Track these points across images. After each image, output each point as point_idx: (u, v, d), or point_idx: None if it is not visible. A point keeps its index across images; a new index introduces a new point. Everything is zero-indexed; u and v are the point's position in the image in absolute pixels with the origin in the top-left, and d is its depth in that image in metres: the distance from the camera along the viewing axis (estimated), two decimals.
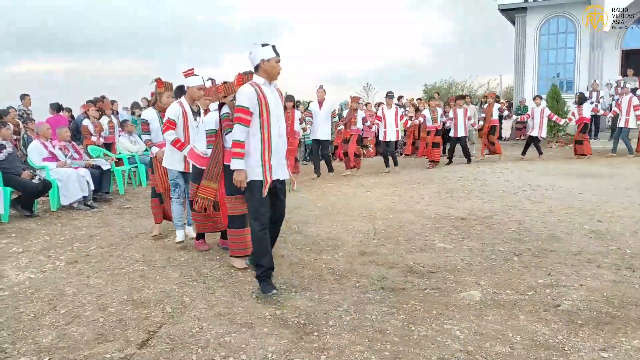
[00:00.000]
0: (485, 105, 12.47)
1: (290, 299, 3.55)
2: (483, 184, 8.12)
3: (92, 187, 7.27)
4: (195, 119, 5.08)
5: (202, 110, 5.19)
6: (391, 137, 10.49)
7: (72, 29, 61.99)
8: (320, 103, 9.75)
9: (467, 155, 11.36)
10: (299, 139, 9.93)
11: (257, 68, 3.74)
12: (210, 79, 5.37)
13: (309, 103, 14.39)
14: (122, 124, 9.87)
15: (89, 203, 7.24)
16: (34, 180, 6.64)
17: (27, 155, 7.37)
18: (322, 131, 9.71)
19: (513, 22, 18.29)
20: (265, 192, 3.65)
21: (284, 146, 3.89)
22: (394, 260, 4.37)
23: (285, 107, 7.90)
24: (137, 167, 9.38)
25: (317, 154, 10.03)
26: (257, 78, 3.74)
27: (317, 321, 3.18)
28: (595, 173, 8.92)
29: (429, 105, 11.66)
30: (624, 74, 15.75)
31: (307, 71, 59.03)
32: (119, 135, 9.70)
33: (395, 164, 10.59)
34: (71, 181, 6.96)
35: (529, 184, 7.82)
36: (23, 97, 10.72)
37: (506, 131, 17.51)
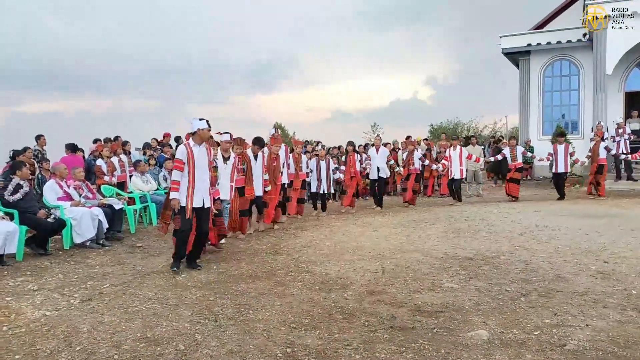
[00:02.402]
0: (592, 144, 12.11)
1: (300, 337, 3.62)
2: (490, 224, 8.19)
3: (106, 226, 7.43)
4: (225, 163, 7.23)
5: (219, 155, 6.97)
6: (456, 174, 11.44)
7: (84, 69, 63.60)
8: (377, 148, 11.21)
9: (458, 196, 11.65)
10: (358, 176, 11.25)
11: (194, 133, 5.69)
12: (227, 132, 7.46)
13: (317, 143, 14.72)
14: (135, 164, 10.10)
15: (101, 242, 7.37)
16: (49, 219, 6.81)
17: (41, 194, 7.56)
18: (374, 171, 11.13)
19: (517, 65, 18.69)
20: (188, 214, 5.55)
21: (206, 185, 5.76)
22: (403, 300, 4.43)
23: (346, 151, 11.35)
24: (148, 206, 9.54)
25: (373, 190, 11.52)
26: (191, 140, 5.73)
27: None
28: (601, 214, 8.97)
29: (508, 144, 12.44)
30: (628, 115, 15.98)
31: (313, 109, 59.92)
32: (132, 175, 9.91)
33: (460, 199, 11.57)
34: (85, 220, 7.11)
35: (536, 225, 7.89)
36: (38, 137, 11.02)
37: None
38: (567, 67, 17.60)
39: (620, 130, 13.58)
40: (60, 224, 6.91)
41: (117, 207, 7.88)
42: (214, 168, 6.20)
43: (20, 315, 4.29)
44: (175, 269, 5.65)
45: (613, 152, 12.66)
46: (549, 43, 17.29)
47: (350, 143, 11.33)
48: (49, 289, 5.09)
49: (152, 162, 10.89)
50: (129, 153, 11.50)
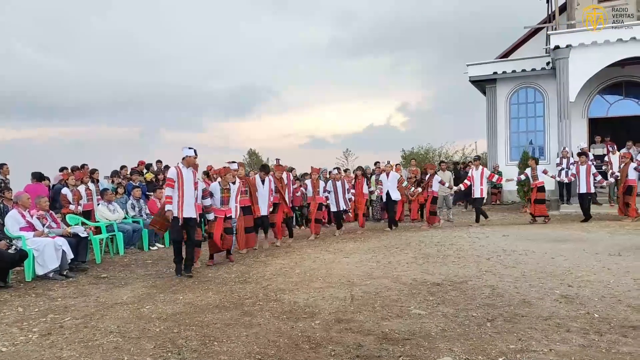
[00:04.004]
0: (622, 166, 12.05)
1: None
2: (459, 249, 8.27)
3: (71, 256, 7.24)
4: (234, 186, 8.41)
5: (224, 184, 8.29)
6: (477, 194, 12.09)
7: (55, 96, 62.87)
8: (388, 174, 12.04)
9: (483, 214, 12.11)
10: (366, 198, 12.76)
11: (183, 158, 7.16)
12: (233, 161, 8.87)
13: (292, 169, 14.82)
14: (102, 192, 9.93)
15: (65, 273, 7.17)
16: (9, 251, 6.60)
17: (3, 224, 7.34)
18: (388, 195, 11.93)
19: (484, 92, 19.17)
20: (181, 222, 6.99)
21: (192, 200, 7.14)
22: (370, 328, 4.41)
23: (356, 176, 12.52)
24: (115, 235, 9.35)
25: (388, 211, 12.29)
26: (181, 164, 7.16)
27: None
28: (567, 238, 9.15)
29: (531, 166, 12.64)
30: (591, 141, 16.48)
31: (289, 135, 60.19)
32: (98, 204, 9.73)
33: (485, 217, 12.14)
34: (47, 251, 6.93)
35: (504, 249, 8.00)
36: (1, 166, 10.73)
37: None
38: (532, 94, 18.14)
39: (583, 157, 13.94)
40: (22, 255, 6.71)
41: (82, 235, 7.71)
42: (226, 190, 8.19)
43: None
44: (179, 275, 7.05)
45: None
46: (514, 71, 17.82)
47: (360, 168, 12.63)
48: (7, 324, 4.91)
49: (121, 190, 10.74)
50: (97, 181, 11.32)
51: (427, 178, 12.66)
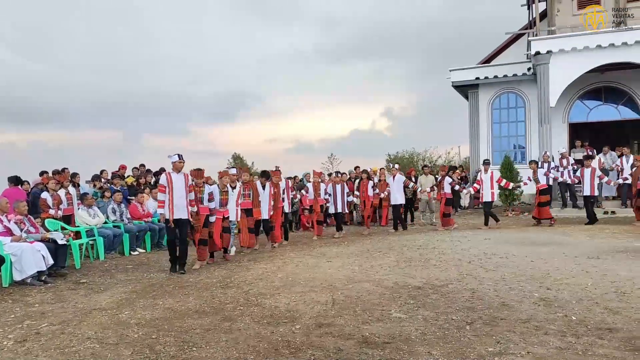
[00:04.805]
0: (634, 170, 12.18)
1: None
2: (441, 252, 8.31)
3: (50, 262, 7.13)
4: (232, 190, 9.12)
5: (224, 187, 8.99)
6: (487, 198, 12.19)
7: (38, 100, 62.09)
8: (394, 177, 12.46)
9: (494, 217, 12.21)
10: (372, 200, 12.81)
11: (173, 164, 7.73)
12: (233, 167, 10.07)
13: (296, 177, 15.04)
14: (82, 197, 9.81)
15: (44, 278, 7.06)
16: None
17: None
18: (394, 197, 12.38)
19: (467, 97, 19.33)
20: (171, 223, 7.60)
21: (183, 202, 7.63)
22: (350, 332, 4.41)
23: (360, 177, 13.06)
24: (95, 240, 9.24)
25: (394, 213, 12.60)
26: (170, 169, 7.81)
27: None
28: (548, 241, 9.25)
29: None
30: (572, 145, 16.70)
31: (273, 140, 60.11)
32: (78, 208, 9.61)
33: (496, 220, 12.20)
34: (25, 256, 6.81)
35: (485, 253, 8.06)
36: None
37: (465, 200, 18.01)
38: (513, 99, 18.33)
39: (565, 161, 14.16)
40: None
41: (60, 241, 7.59)
42: (224, 192, 8.83)
43: None
44: (172, 273, 7.58)
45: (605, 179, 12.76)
46: (495, 77, 18.00)
47: (365, 171, 13.01)
48: None
49: (108, 194, 10.57)
50: (78, 185, 11.18)
51: (439, 180, 12.95)
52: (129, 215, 10.48)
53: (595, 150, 15.62)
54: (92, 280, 7.32)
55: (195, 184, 8.16)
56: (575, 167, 14.64)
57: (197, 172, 8.42)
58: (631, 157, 13.62)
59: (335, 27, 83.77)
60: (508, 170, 15.23)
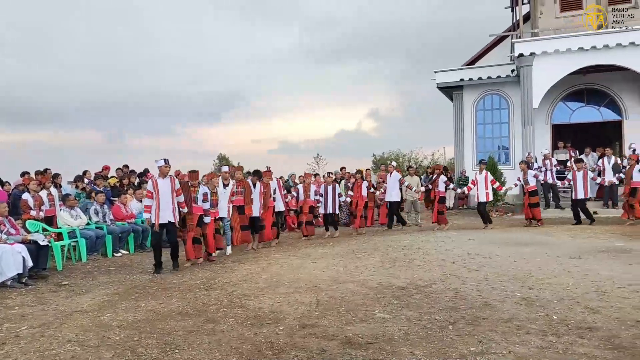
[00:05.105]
0: (627, 168, 12.25)
1: None
2: (425, 252, 8.34)
3: (30, 264, 7.04)
4: (224, 188, 9.50)
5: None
6: (482, 198, 12.17)
7: (22, 101, 61.32)
8: (390, 174, 12.71)
9: (487, 218, 12.31)
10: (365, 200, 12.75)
11: (159, 169, 7.90)
12: (226, 165, 10.42)
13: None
14: (64, 198, 9.69)
15: (24, 280, 6.96)
16: None
17: None
18: (390, 195, 12.60)
19: (452, 99, 19.47)
20: (157, 227, 7.77)
21: (169, 206, 7.81)
22: (334, 332, 4.41)
23: (355, 178, 12.79)
24: (77, 241, 9.13)
25: (389, 211, 12.85)
26: (156, 174, 8.05)
27: None
28: (531, 241, 9.33)
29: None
30: (554, 146, 16.90)
31: (259, 141, 59.98)
32: (60, 210, 9.49)
33: (490, 222, 12.25)
34: (5, 258, 6.72)
35: (468, 253, 8.11)
36: None
37: (449, 200, 18.10)
38: (497, 101, 18.50)
39: (547, 162, 14.32)
40: None
41: (42, 243, 7.49)
42: (214, 193, 8.99)
43: None
44: (156, 274, 7.69)
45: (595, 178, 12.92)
46: (480, 78, 18.14)
47: (359, 171, 12.96)
48: None
49: (98, 196, 10.38)
50: (60, 186, 11.04)
51: (433, 178, 13.02)
52: (111, 217, 10.37)
53: (577, 152, 15.83)
54: (74, 282, 7.24)
55: (190, 185, 8.60)
56: (558, 167, 14.82)
57: (192, 174, 8.90)
58: (612, 158, 13.83)
59: (322, 28, 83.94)
60: (492, 172, 15.31)
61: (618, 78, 16.53)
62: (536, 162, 15.05)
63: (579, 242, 9.01)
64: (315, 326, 4.61)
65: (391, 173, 12.70)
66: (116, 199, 11.24)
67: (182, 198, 8.15)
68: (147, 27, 74.90)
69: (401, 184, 12.67)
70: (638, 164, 11.96)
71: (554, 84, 15.70)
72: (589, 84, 17.21)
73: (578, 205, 12.11)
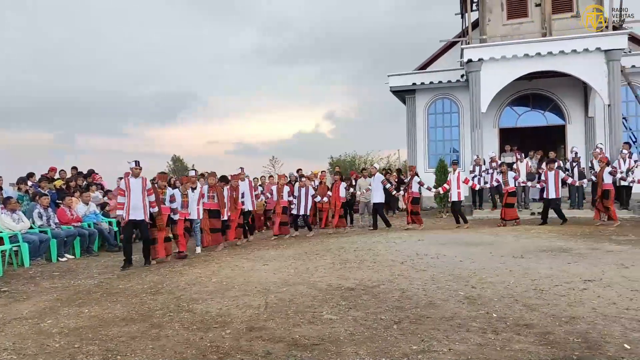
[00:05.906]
0: (597, 170, 12.46)
1: None
2: (375, 254, 8.47)
3: None
4: (192, 192, 9.98)
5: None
6: (454, 197, 12.64)
7: None
8: (373, 175, 13.17)
9: (463, 217, 12.73)
10: (342, 201, 13.33)
11: (131, 170, 8.40)
12: (193, 170, 11.03)
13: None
14: (5, 200, 9.31)
15: None
16: None
17: None
18: (374, 196, 12.97)
19: (405, 102, 19.82)
20: (124, 223, 8.31)
21: (140, 204, 8.32)
22: (281, 335, 4.42)
23: (335, 179, 13.54)
24: (19, 246, 8.79)
25: (373, 212, 13.01)
26: (129, 174, 8.48)
27: None
28: (478, 241, 9.62)
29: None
30: (502, 149, 17.46)
31: (214, 142, 59.29)
32: (1, 213, 9.11)
33: (465, 221, 12.66)
34: None
35: (417, 253, 8.28)
36: None
37: (402, 202, 18.38)
38: (448, 105, 18.99)
39: (494, 164, 14.80)
40: None
41: None
42: (185, 195, 9.75)
43: None
44: (123, 269, 8.11)
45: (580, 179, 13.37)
46: (431, 82, 18.57)
47: (338, 172, 13.97)
48: None
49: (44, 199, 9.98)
50: (1, 189, 10.60)
51: (407, 180, 13.33)
52: (56, 220, 10.03)
53: (523, 154, 16.40)
54: (15, 288, 6.97)
55: (158, 186, 9.17)
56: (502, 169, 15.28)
57: (162, 176, 9.61)
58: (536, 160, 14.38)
59: (281, 30, 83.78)
60: (442, 174, 15.71)
61: (561, 84, 17.26)
62: (484, 164, 15.53)
63: (523, 242, 9.35)
64: (263, 329, 4.60)
65: (374, 175, 13.08)
66: (61, 202, 10.87)
67: (153, 197, 8.65)
68: (92, 24, 72.76)
69: (384, 184, 12.93)
70: (608, 166, 12.32)
71: (501, 89, 16.26)
72: (534, 90, 17.90)
73: (551, 205, 12.43)
